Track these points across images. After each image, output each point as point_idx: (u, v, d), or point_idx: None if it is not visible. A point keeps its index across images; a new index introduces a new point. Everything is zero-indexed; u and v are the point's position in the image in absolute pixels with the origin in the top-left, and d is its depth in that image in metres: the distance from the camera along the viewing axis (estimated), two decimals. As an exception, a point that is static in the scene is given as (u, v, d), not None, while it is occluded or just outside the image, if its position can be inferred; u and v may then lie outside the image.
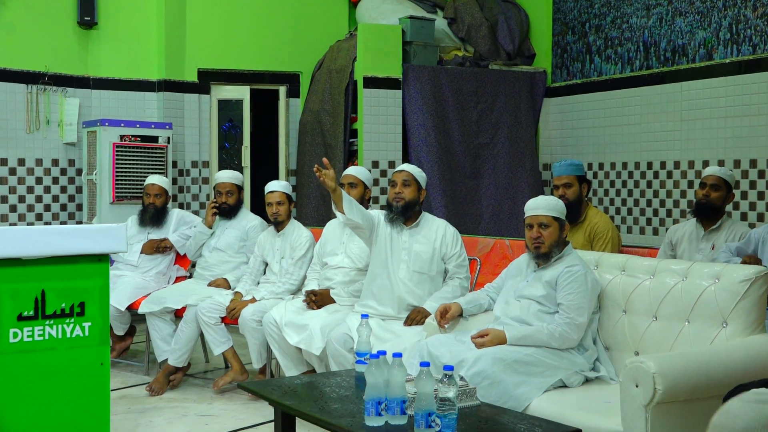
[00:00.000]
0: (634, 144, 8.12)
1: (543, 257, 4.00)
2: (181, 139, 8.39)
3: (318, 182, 8.46)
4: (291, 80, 8.86)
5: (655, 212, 7.97)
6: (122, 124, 7.68)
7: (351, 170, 5.34)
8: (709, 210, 5.10)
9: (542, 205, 4.01)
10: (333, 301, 5.12)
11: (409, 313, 4.67)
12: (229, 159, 8.85)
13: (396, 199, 4.76)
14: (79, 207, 8.13)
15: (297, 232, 5.64)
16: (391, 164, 8.09)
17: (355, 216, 4.62)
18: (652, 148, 7.96)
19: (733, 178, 5.18)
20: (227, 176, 6.03)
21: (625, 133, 8.22)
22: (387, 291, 4.76)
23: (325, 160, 4.45)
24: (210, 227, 6.06)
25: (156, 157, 7.81)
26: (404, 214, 4.76)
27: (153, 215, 6.29)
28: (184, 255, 6.31)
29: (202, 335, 5.81)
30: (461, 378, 3.52)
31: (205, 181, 8.54)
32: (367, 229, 4.75)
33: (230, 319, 5.49)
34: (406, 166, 4.84)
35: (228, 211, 6.02)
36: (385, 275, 4.78)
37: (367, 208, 5.29)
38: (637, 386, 3.15)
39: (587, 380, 3.83)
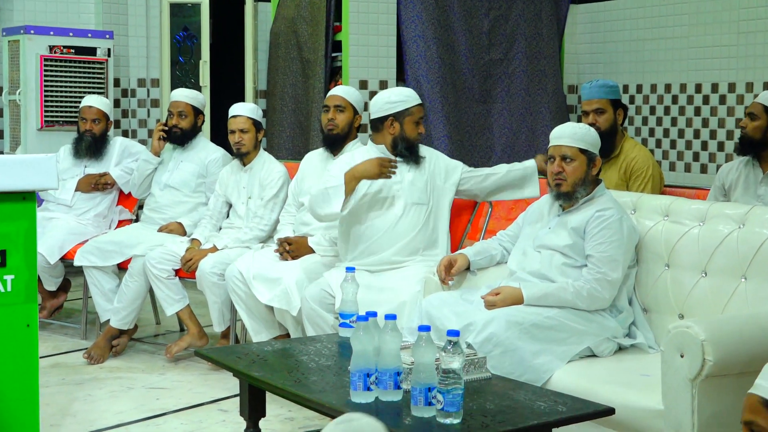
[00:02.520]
0: (680, 62, 8.07)
1: (565, 197, 4.00)
2: (125, 51, 8.28)
3: (294, 105, 8.39)
4: (260, -21, 8.77)
5: (704, 145, 7.96)
6: (52, 33, 7.59)
7: (339, 90, 5.32)
8: (749, 146, 5.04)
9: (568, 134, 3.99)
10: (311, 251, 5.10)
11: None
12: (183, 77, 8.77)
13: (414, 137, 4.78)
14: (0, 134, 8.04)
15: (267, 166, 5.61)
16: (383, 84, 8.02)
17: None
18: (702, 67, 7.91)
19: None
20: (183, 95, 5.99)
21: (668, 48, 8.16)
22: (380, 234, 4.74)
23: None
24: (157, 155, 6.03)
25: (94, 73, 7.72)
26: (411, 155, 4.80)
27: (90, 145, 6.24)
28: (129, 193, 6.27)
29: (151, 291, 5.79)
30: (468, 345, 3.52)
31: (155, 103, 8.46)
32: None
33: (186, 273, 5.48)
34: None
35: (180, 138, 5.98)
36: (380, 215, 4.75)
37: (355, 137, 5.27)
38: (682, 356, 3.15)
39: (620, 349, 3.84)
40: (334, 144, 5.24)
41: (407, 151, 4.78)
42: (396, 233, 4.74)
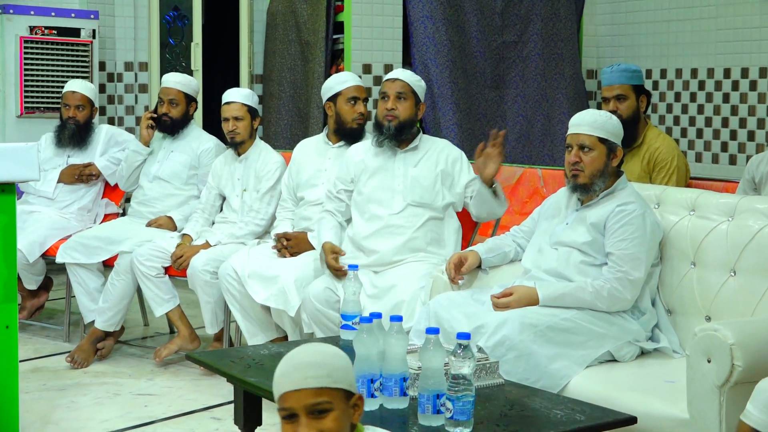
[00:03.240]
0: (707, 44, 8.05)
1: (583, 189, 3.99)
2: (111, 32, 8.27)
3: (292, 91, 8.38)
4: (256, -44, 8.76)
5: (733, 134, 7.94)
6: (32, 12, 7.57)
7: (358, 80, 5.33)
8: None
9: (587, 121, 3.99)
10: (312, 248, 5.10)
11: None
12: (174, 60, 8.76)
13: (387, 117, 4.79)
14: (-23, 122, 8.06)
15: (264, 156, 5.61)
16: (388, 68, 8.01)
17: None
18: (731, 50, 7.89)
19: None
20: (175, 81, 5.98)
21: (695, 30, 8.14)
22: (379, 232, 4.76)
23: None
24: (146, 145, 6.03)
25: (77, 56, 7.72)
26: (398, 136, 4.82)
27: (74, 133, 6.23)
28: (115, 185, 6.27)
29: (139, 291, 5.79)
30: (479, 349, 3.51)
31: (143, 88, 8.45)
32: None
33: (176, 270, 5.48)
34: (401, 73, 4.89)
35: (171, 127, 5.97)
36: (376, 212, 4.79)
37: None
38: (709, 361, 3.15)
39: (643, 353, 3.84)
40: (360, 137, 5.24)
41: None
42: (394, 231, 4.74)
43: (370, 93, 7.94)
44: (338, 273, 4.65)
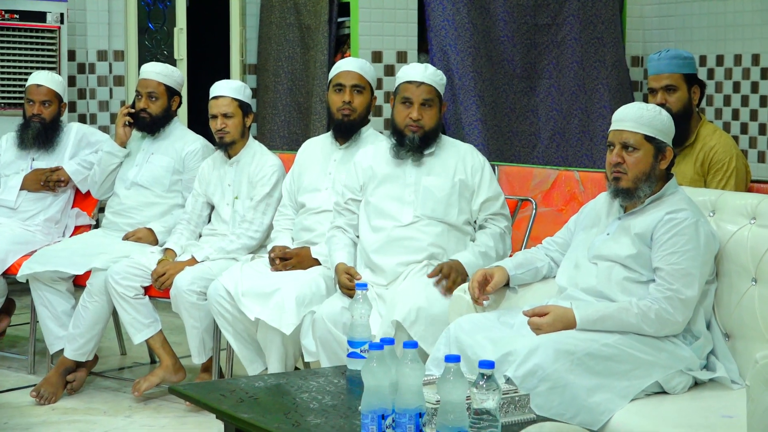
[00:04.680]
0: (771, 27, 8.04)
1: (625, 195, 3.99)
2: (82, 16, 8.29)
3: (291, 83, 8.40)
4: (248, -73, 8.79)
5: (801, 131, 7.93)
6: (-10, -6, 7.60)
7: (354, 65, 5.31)
8: None
9: (632, 116, 3.99)
10: (316, 263, 5.12)
11: (437, 266, 4.67)
12: (154, 48, 8.79)
13: (411, 127, 4.80)
14: (-72, 120, 8.08)
15: (258, 159, 5.62)
16: (401, 56, 8.02)
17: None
18: (799, 33, 7.89)
19: None
20: (154, 71, 5.99)
21: (756, 10, 8.14)
22: (388, 246, 4.79)
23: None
24: (123, 145, 6.04)
25: (43, 44, 7.74)
26: (423, 147, 4.85)
27: (39, 132, 6.25)
28: (87, 193, 6.28)
29: (115, 314, 5.81)
30: (507, 380, 3.51)
31: (119, 81, 8.47)
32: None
33: (158, 291, 5.49)
34: (425, 74, 4.84)
35: (150, 124, 5.99)
36: (383, 225, 4.81)
37: (368, 120, 5.32)
38: (773, 393, 3.14)
39: (697, 383, 3.84)
40: (350, 132, 5.26)
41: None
42: (401, 244, 4.77)
43: (381, 85, 7.96)
44: (352, 293, 4.67)
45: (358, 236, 4.95)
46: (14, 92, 7.58)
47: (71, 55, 8.18)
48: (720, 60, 8.44)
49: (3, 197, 6.23)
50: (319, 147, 5.43)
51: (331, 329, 4.63)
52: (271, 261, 5.17)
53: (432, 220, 4.78)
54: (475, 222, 4.88)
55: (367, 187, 4.91)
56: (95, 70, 8.42)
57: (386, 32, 8.04)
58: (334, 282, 4.83)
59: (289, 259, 5.12)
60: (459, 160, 4.86)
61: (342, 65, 5.33)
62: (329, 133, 5.41)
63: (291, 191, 5.43)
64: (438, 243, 4.77)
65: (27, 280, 5.78)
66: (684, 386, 3.78)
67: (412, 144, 4.80)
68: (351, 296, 4.66)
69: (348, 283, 4.70)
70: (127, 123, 6.00)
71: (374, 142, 5.13)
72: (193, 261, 5.46)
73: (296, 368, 5.21)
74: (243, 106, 5.61)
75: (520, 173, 5.96)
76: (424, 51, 8.09)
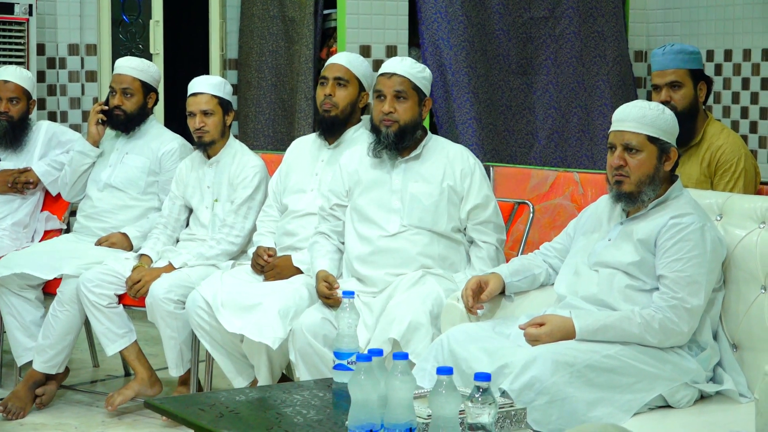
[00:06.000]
0: (782, 20, 8.06)
1: (628, 199, 4.00)
2: (52, 8, 8.27)
3: (275, 79, 8.40)
4: None
5: (814, 130, 7.95)
6: (-48, -17, 7.59)
7: (341, 58, 5.33)
8: None
9: (634, 116, 3.99)
10: (298, 272, 5.12)
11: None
12: (129, 42, 8.78)
13: (385, 122, 4.81)
14: None
15: (239, 159, 5.63)
16: (391, 50, 8.02)
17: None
18: (811, 27, 7.91)
19: None
20: (129, 66, 6.00)
21: (766, 1, 8.14)
22: (374, 257, 4.80)
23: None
24: (96, 145, 6.04)
25: (10, 37, 7.72)
26: (398, 144, 4.84)
27: (6, 131, 6.24)
28: (58, 195, 6.28)
29: (87, 324, 5.81)
30: (503, 393, 3.52)
31: (91, 76, 8.46)
32: None
33: (133, 299, 5.49)
34: (398, 65, 4.88)
35: (124, 122, 5.99)
36: (368, 235, 4.82)
37: (358, 120, 5.32)
38: (783, 407, 3.15)
39: (703, 397, 3.85)
40: (331, 129, 5.26)
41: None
42: (388, 255, 4.79)
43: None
44: (330, 301, 4.67)
45: (343, 243, 4.95)
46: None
47: (40, 49, 8.15)
48: (728, 55, 8.45)
49: (-32, 200, 6.23)
50: (307, 146, 5.42)
51: (311, 341, 4.64)
52: (254, 264, 5.16)
53: (420, 229, 4.79)
54: (465, 229, 4.88)
55: (353, 192, 4.92)
56: (66, 65, 8.40)
57: (375, 25, 8.03)
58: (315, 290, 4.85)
59: (272, 266, 5.13)
60: (448, 164, 4.86)
61: (331, 59, 5.35)
62: (318, 132, 5.40)
63: (277, 192, 5.43)
64: (427, 253, 4.78)
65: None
66: (689, 400, 3.79)
67: (387, 140, 4.80)
68: (330, 305, 4.68)
69: (326, 291, 4.70)
70: (100, 121, 6.00)
71: (364, 143, 5.13)
72: (170, 267, 5.46)
73: (284, 375, 5.22)
74: (223, 104, 5.61)
75: (517, 174, 5.97)
76: (416, 45, 8.09)
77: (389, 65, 4.88)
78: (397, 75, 4.82)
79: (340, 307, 3.95)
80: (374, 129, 4.87)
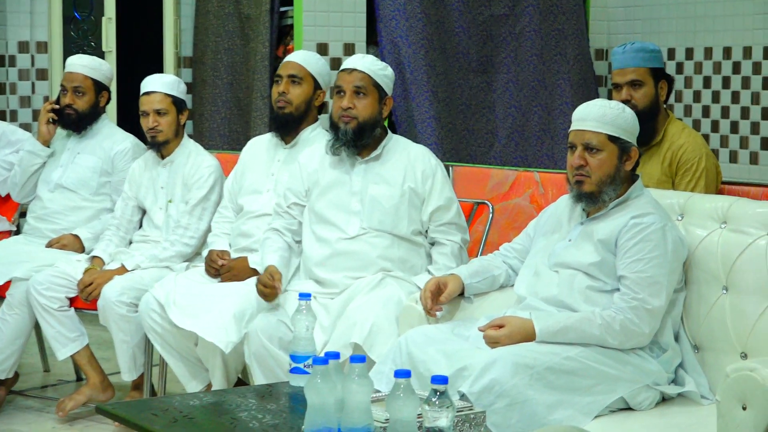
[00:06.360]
0: (743, 18, 8.07)
1: (589, 199, 4.02)
2: (2, 5, 8.24)
3: (230, 77, 8.38)
4: None
5: (776, 129, 7.99)
6: None
7: (296, 56, 5.33)
8: None
9: (595, 115, 4.01)
10: (254, 273, 5.11)
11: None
12: (81, 39, 8.73)
13: (344, 118, 4.81)
14: None
15: (194, 159, 5.62)
16: (348, 48, 8.02)
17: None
18: (773, 25, 7.94)
19: None
20: (80, 64, 5.99)
21: (728, 0, 8.17)
22: (333, 260, 4.81)
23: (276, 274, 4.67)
24: (46, 144, 6.02)
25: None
26: (357, 141, 4.83)
27: (-46, 132, 6.22)
28: (7, 196, 6.26)
29: (37, 328, 5.78)
30: (462, 396, 3.53)
31: (42, 74, 8.42)
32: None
33: (84, 302, 5.47)
34: (359, 61, 4.89)
35: (76, 122, 5.97)
36: (327, 237, 4.82)
37: (314, 119, 5.32)
38: (744, 408, 3.17)
39: (664, 399, 3.86)
40: (286, 127, 5.25)
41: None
42: (350, 259, 4.78)
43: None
44: (267, 290, 4.68)
45: (297, 241, 4.95)
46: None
47: (-11, 47, 8.14)
48: (689, 53, 8.48)
49: None
50: (263, 146, 5.40)
51: (266, 344, 4.62)
52: (208, 269, 5.16)
53: (380, 232, 4.79)
54: (426, 232, 4.89)
55: (311, 193, 4.91)
56: (16, 63, 8.35)
57: (332, 23, 8.03)
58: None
59: (224, 267, 5.12)
60: (409, 165, 4.85)
61: (286, 57, 5.35)
62: (274, 132, 5.38)
63: (233, 192, 5.41)
64: (387, 256, 4.78)
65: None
66: (651, 402, 3.80)
67: (346, 137, 4.79)
68: (265, 297, 4.70)
69: (267, 281, 4.70)
70: (50, 120, 5.98)
71: (323, 143, 5.12)
72: (122, 270, 5.44)
73: (240, 380, 5.21)
74: (177, 103, 5.60)
75: (476, 174, 5.98)
76: (374, 43, 8.09)
77: (350, 61, 4.89)
78: (358, 71, 4.82)
79: (296, 309, 3.95)
80: (333, 126, 4.86)
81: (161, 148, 5.62)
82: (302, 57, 5.31)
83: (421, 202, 4.84)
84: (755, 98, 8.09)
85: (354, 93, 4.80)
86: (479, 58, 8.34)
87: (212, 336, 4.82)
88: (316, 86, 5.27)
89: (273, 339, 4.63)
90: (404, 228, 4.80)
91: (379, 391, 3.46)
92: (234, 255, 5.22)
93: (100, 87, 5.99)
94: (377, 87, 4.84)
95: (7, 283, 5.60)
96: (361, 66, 4.84)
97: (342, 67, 4.91)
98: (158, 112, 5.54)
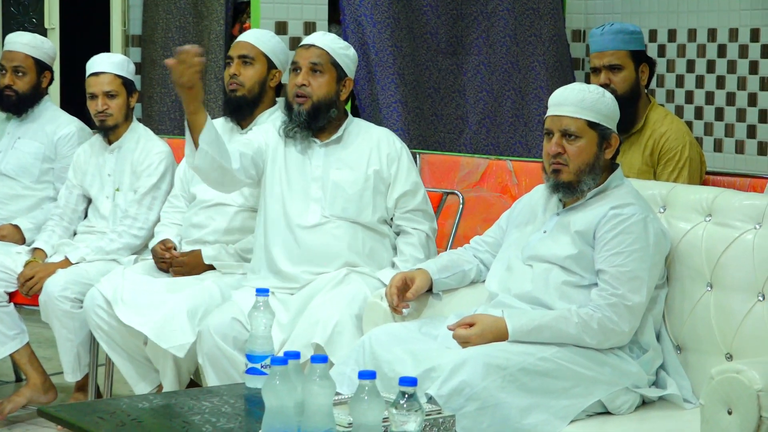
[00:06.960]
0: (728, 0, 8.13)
1: (566, 189, 4.02)
2: (-63, -21, 8.21)
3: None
4: None
5: (763, 116, 8.03)
6: None
7: (248, 35, 5.33)
8: None
9: (573, 100, 4.01)
10: (208, 268, 5.11)
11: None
12: (22, 16, 8.72)
13: (298, 96, 4.81)
14: None
15: (143, 145, 5.62)
16: (309, 27, 8.02)
17: (212, 155, 4.65)
18: (760, 5, 7.97)
19: None
20: (22, 42, 5.99)
21: (712, -21, 8.22)
22: (294, 252, 4.79)
23: (193, 48, 4.50)
24: (-15, 130, 6.01)
25: None
26: (311, 123, 4.84)
27: None
28: (-56, 186, 6.21)
29: (-25, 325, 5.75)
30: (430, 399, 3.52)
31: (-19, 55, 8.40)
32: (244, 174, 4.80)
33: (25, 298, 5.46)
34: (318, 38, 4.90)
35: (16, 104, 5.98)
36: (286, 225, 4.81)
37: (272, 103, 5.31)
38: (730, 413, 3.19)
39: (645, 402, 3.87)
40: (239, 111, 5.23)
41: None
42: (312, 252, 4.77)
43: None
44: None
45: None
46: None
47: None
48: (672, 35, 8.52)
49: None
50: (219, 130, 5.38)
51: (219, 344, 4.62)
52: (157, 262, 5.14)
53: (343, 220, 4.78)
54: (391, 220, 4.87)
55: (265, 173, 4.88)
56: (-47, 42, 8.34)
57: (292, 0, 8.03)
58: None
59: (178, 267, 5.10)
60: (373, 147, 4.87)
61: (239, 37, 5.34)
62: (226, 115, 5.37)
63: (185, 180, 5.41)
64: (352, 247, 4.77)
65: None
66: (630, 405, 3.81)
67: (299, 118, 4.80)
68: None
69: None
70: (-11, 103, 5.97)
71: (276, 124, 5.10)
72: (66, 263, 5.43)
73: (192, 381, 5.19)
74: (127, 84, 5.62)
75: (446, 162, 5.99)
76: (336, 22, 8.10)
77: (310, 37, 4.92)
78: (316, 47, 4.85)
79: (252, 306, 3.93)
80: (287, 106, 4.87)
81: (109, 132, 5.61)
82: (254, 36, 5.31)
83: (386, 187, 4.84)
84: (741, 83, 8.14)
85: (310, 70, 4.81)
86: (449, 39, 8.34)
87: (164, 341, 4.81)
88: (271, 66, 5.25)
89: (227, 338, 4.63)
90: (369, 215, 4.81)
91: (340, 394, 3.44)
92: (186, 248, 5.20)
93: (42, 67, 5.99)
94: (336, 66, 4.84)
95: (-57, 278, 5.58)
96: (320, 42, 4.86)
97: (300, 44, 4.92)
98: (108, 95, 5.53)
